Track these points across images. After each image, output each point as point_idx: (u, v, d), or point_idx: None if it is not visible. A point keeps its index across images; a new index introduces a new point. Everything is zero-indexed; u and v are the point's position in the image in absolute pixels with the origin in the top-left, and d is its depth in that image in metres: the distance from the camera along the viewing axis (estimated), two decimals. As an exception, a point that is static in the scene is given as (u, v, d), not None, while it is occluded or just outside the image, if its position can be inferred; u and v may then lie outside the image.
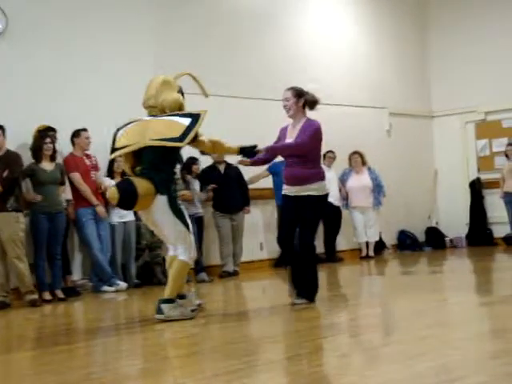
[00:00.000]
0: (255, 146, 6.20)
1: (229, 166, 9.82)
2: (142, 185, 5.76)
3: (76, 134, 8.54)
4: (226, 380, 3.79)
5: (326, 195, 6.42)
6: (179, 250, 5.94)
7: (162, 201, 5.81)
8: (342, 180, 11.66)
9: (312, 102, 6.43)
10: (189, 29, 10.10)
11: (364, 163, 11.74)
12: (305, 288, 6.35)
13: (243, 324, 5.76)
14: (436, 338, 4.68)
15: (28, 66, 8.53)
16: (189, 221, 6.02)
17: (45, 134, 8.06)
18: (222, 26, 10.51)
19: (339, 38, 12.26)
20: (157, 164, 5.87)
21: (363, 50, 12.58)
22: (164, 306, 5.84)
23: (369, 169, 11.75)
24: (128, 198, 5.76)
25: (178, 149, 6.05)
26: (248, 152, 6.19)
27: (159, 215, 5.86)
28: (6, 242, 7.51)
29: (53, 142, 8.05)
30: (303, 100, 6.39)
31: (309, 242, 6.32)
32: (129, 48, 9.44)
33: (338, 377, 3.83)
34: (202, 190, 9.69)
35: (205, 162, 9.64)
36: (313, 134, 6.30)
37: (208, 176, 9.73)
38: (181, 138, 5.73)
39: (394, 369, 3.83)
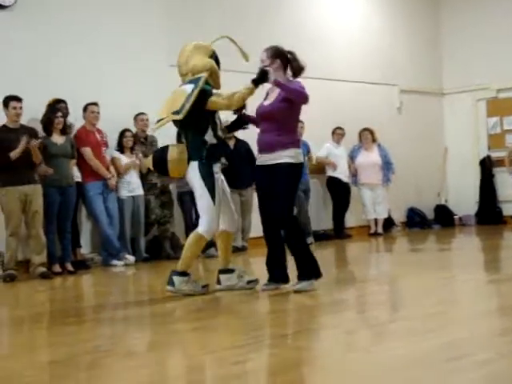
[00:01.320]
0: (265, 72, 5.64)
1: (238, 141, 9.81)
2: (174, 150, 5.83)
3: (84, 108, 8.55)
4: (233, 354, 3.82)
5: (301, 164, 5.82)
6: (201, 220, 5.85)
7: (192, 166, 5.81)
8: (352, 156, 11.64)
9: (296, 69, 5.88)
10: (202, 5, 10.06)
11: (374, 140, 11.70)
12: (300, 268, 5.81)
13: (251, 299, 5.78)
14: (443, 316, 4.69)
15: (39, 40, 8.54)
16: (218, 191, 5.84)
17: (55, 107, 8.07)
18: (234, 3, 10.46)
19: (351, 15, 12.18)
20: (186, 132, 5.89)
21: (375, 27, 12.50)
22: (176, 279, 5.85)
23: (378, 146, 11.72)
24: (159, 163, 5.88)
25: (194, 117, 5.75)
26: (261, 78, 5.63)
27: (191, 181, 5.87)
28: (34, 213, 7.58)
29: (64, 116, 8.06)
30: (279, 61, 5.81)
31: (280, 216, 5.70)
32: (141, 24, 9.46)
33: (344, 352, 3.85)
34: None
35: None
36: (302, 87, 5.74)
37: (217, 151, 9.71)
38: (179, 111, 5.66)
39: (399, 345, 3.85)
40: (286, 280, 5.95)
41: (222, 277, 6.06)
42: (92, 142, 8.52)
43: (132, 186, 8.91)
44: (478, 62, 12.93)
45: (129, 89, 9.10)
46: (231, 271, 6.06)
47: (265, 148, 5.78)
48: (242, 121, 6.04)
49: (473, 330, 4.22)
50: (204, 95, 5.74)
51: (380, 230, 11.61)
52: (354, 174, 11.60)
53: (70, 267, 8.03)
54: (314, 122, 10.88)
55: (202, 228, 5.82)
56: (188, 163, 5.82)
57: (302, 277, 5.78)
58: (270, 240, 5.91)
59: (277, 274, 5.94)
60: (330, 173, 11.29)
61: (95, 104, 8.54)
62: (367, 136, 11.66)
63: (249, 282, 6.05)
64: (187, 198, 9.19)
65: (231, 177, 9.73)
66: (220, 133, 5.94)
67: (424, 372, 3.28)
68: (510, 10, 12.70)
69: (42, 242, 7.67)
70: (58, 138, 8.00)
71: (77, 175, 8.37)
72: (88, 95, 8.56)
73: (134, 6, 9.47)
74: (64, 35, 8.77)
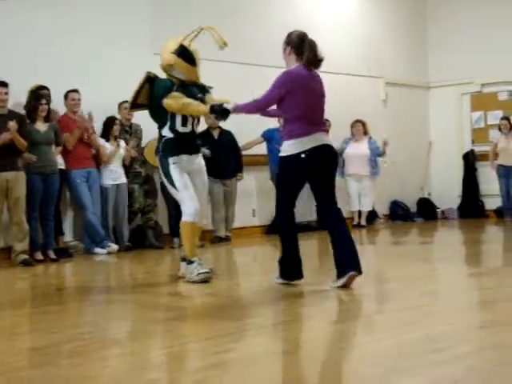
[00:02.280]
0: (221, 105, 5.60)
1: (222, 131, 9.81)
2: (148, 144, 6.39)
3: (65, 96, 8.51)
4: (214, 344, 3.82)
5: (295, 155, 5.41)
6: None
7: (157, 160, 6.09)
8: (342, 148, 11.65)
9: (307, 61, 5.48)
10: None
11: (365, 132, 11.72)
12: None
13: (233, 289, 5.79)
14: (425, 308, 4.72)
15: (23, 26, 8.48)
16: (177, 177, 5.89)
17: (39, 94, 8.01)
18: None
19: (338, 8, 12.17)
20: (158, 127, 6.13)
21: (361, 20, 12.49)
22: (181, 264, 6.09)
23: (369, 138, 11.74)
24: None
25: (154, 112, 6.05)
26: (219, 111, 5.62)
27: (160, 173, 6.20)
28: (16, 200, 7.54)
29: (48, 103, 8.01)
30: (290, 48, 5.50)
31: (275, 209, 5.68)
32: (125, 12, 9.40)
33: (326, 343, 3.87)
34: None
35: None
36: (271, 87, 5.41)
37: (201, 141, 9.69)
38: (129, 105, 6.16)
39: (382, 337, 3.87)
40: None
41: (182, 264, 6.14)
42: (72, 128, 8.47)
43: (115, 175, 8.88)
44: (463, 56, 12.97)
45: (113, 76, 9.04)
46: (188, 261, 5.98)
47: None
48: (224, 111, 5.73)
49: (454, 322, 4.24)
50: (157, 93, 5.90)
51: (363, 222, 11.63)
52: (341, 166, 11.61)
53: (52, 255, 7.99)
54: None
55: (183, 216, 5.93)
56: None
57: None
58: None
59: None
60: (314, 164, 11.29)
61: (76, 91, 8.49)
62: (359, 128, 11.67)
63: (204, 273, 5.94)
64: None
65: (215, 167, 9.75)
66: (181, 128, 5.98)
67: (406, 364, 3.30)
68: (497, 5, 12.74)
69: (25, 229, 7.63)
70: (41, 126, 7.95)
71: (60, 162, 8.32)
72: (70, 82, 8.49)
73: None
74: (47, 22, 8.69)
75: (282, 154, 5.54)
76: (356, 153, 11.55)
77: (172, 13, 9.80)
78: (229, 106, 5.59)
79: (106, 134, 8.88)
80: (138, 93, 5.98)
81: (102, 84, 8.90)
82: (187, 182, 5.95)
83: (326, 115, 11.18)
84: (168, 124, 5.97)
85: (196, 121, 6.13)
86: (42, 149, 7.86)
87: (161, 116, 6.01)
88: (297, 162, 5.43)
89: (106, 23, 9.19)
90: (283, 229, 5.67)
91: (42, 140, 7.90)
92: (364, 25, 12.50)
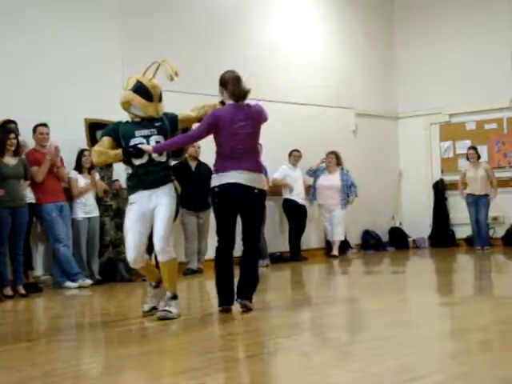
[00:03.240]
0: (135, 146, 5.68)
1: (200, 163, 9.85)
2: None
3: (33, 130, 8.48)
4: (187, 377, 3.79)
5: (212, 189, 5.85)
6: None
7: None
8: (315, 177, 11.75)
9: (231, 94, 5.85)
10: (157, 25, 10.08)
11: (339, 164, 11.82)
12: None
13: (206, 321, 5.75)
14: (397, 338, 4.73)
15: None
16: (127, 220, 5.78)
17: (8, 128, 7.97)
18: (191, 25, 10.50)
19: (307, 38, 12.32)
20: None
21: (333, 52, 12.67)
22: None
23: (341, 169, 11.83)
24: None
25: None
26: (132, 153, 5.67)
27: None
28: None
29: (16, 137, 7.96)
30: (220, 87, 5.92)
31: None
32: (95, 42, 9.41)
33: (300, 376, 3.85)
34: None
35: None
36: (200, 125, 5.84)
37: (179, 172, 9.72)
38: None
39: (355, 368, 3.86)
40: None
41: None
42: (42, 163, 8.41)
43: (88, 208, 8.84)
44: (431, 87, 13.17)
45: (83, 107, 9.01)
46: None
47: None
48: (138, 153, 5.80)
49: (425, 352, 4.26)
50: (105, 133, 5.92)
51: (335, 252, 11.67)
52: (311, 194, 11.69)
53: (21, 290, 7.89)
54: (270, 144, 10.93)
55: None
56: None
57: None
58: None
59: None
60: (286, 195, 11.34)
61: (44, 125, 8.47)
62: (332, 159, 11.78)
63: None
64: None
65: (189, 198, 9.76)
66: (136, 161, 5.76)
67: (378, 394, 3.29)
68: (464, 37, 12.99)
69: (-7, 265, 7.53)
70: (10, 160, 7.90)
71: (30, 196, 8.25)
72: (39, 116, 8.46)
73: (86, 22, 9.42)
74: (16, 54, 8.67)
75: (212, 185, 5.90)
76: (327, 184, 11.65)
77: (145, 43, 9.82)
78: (144, 147, 5.70)
79: (79, 166, 8.85)
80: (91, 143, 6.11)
81: (73, 116, 8.88)
82: (132, 227, 5.72)
83: (297, 146, 11.49)
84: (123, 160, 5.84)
85: None
86: (10, 183, 7.80)
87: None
88: (214, 195, 5.89)
89: (77, 55, 9.20)
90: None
91: (11, 174, 7.84)
92: (334, 56, 12.66)
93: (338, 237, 11.75)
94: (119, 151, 5.75)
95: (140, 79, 5.86)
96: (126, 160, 5.76)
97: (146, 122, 5.81)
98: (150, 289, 6.01)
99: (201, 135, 5.90)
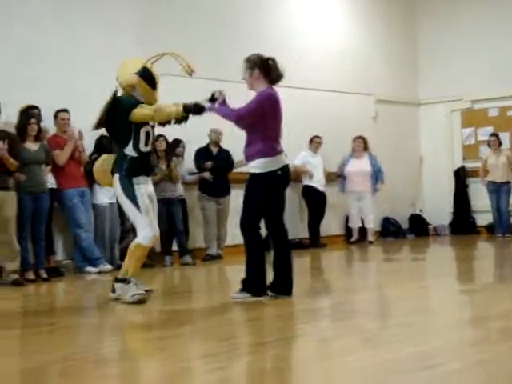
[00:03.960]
0: (196, 104, 5.73)
1: (221, 149, 9.89)
2: (98, 162, 6.20)
3: (55, 115, 8.52)
4: (207, 362, 3.82)
5: (272, 173, 5.71)
6: (137, 231, 5.96)
7: (115, 179, 5.96)
8: (342, 165, 11.71)
9: (273, 77, 5.73)
10: (172, 13, 10.08)
11: (366, 148, 11.78)
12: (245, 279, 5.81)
13: (225, 307, 5.78)
14: (417, 325, 4.72)
15: (18, 48, 8.51)
16: (142, 200, 5.86)
17: (29, 113, 8.02)
18: (206, 11, 10.48)
19: (329, 25, 12.26)
20: (115, 144, 6.14)
21: (352, 37, 12.57)
22: (116, 285, 5.93)
23: (369, 154, 11.79)
24: (90, 173, 6.48)
25: (116, 130, 5.99)
26: (193, 109, 5.71)
27: (116, 193, 6.09)
28: (6, 220, 7.51)
29: (38, 122, 8.01)
30: (258, 71, 5.71)
31: (242, 224, 5.89)
32: (116, 33, 9.43)
33: (319, 361, 3.86)
34: (198, 168, 9.74)
35: (198, 143, 9.77)
36: (255, 103, 5.64)
37: (201, 156, 9.80)
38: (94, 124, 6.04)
39: (374, 354, 3.87)
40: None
41: (117, 285, 5.98)
42: (63, 147, 8.46)
43: (111, 193, 8.86)
44: (453, 73, 13.06)
45: (103, 95, 9.02)
46: (127, 281, 5.90)
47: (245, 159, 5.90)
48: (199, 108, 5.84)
49: (445, 339, 4.25)
50: (123, 109, 5.85)
51: (371, 238, 11.62)
52: (341, 183, 11.69)
53: (43, 274, 7.96)
54: (290, 130, 10.90)
55: (137, 238, 5.90)
56: (112, 175, 5.97)
57: (243, 287, 5.81)
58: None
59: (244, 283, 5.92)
60: (306, 182, 11.33)
61: (65, 111, 8.51)
62: (359, 143, 11.74)
63: (138, 294, 5.88)
64: (162, 206, 9.17)
65: (208, 184, 9.79)
66: (144, 147, 5.93)
67: (397, 381, 3.30)
68: (486, 23, 12.86)
69: (16, 249, 7.60)
70: (31, 145, 7.94)
71: (51, 181, 8.31)
72: (61, 102, 8.50)
73: (108, 12, 9.44)
74: (38, 43, 8.72)
75: (257, 171, 5.68)
76: (356, 170, 11.60)
77: (163, 33, 9.82)
78: (205, 105, 5.69)
79: (99, 151, 8.81)
80: (106, 112, 5.93)
81: (93, 103, 8.89)
82: (149, 207, 5.89)
83: (318, 132, 11.44)
84: (131, 142, 5.89)
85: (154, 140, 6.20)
86: (32, 168, 7.85)
87: (122, 134, 5.91)
88: (274, 179, 5.72)
89: (97, 41, 9.21)
90: (248, 245, 5.97)
91: (33, 159, 7.89)
92: (355, 43, 12.57)
93: (371, 224, 11.69)
94: (180, 107, 5.74)
95: (146, 65, 5.90)
96: (184, 117, 5.78)
97: None
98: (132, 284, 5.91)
99: (254, 115, 5.64)
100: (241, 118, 5.70)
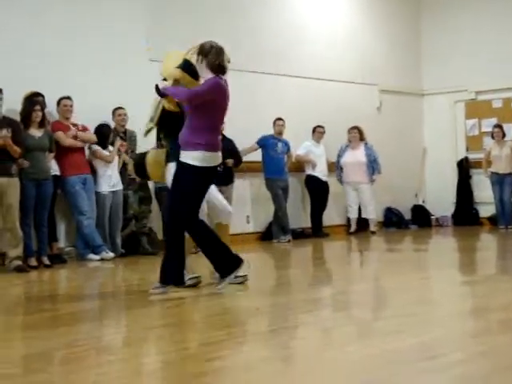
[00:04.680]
0: (156, 87, 5.70)
1: (224, 138, 9.84)
2: (152, 155, 6.14)
3: (58, 102, 8.52)
4: (207, 351, 3.83)
5: (208, 168, 5.58)
6: None
7: (169, 168, 5.95)
8: (338, 156, 11.68)
9: (210, 67, 5.60)
10: (181, 5, 10.05)
11: (362, 139, 11.75)
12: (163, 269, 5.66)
13: (227, 296, 5.79)
14: (418, 316, 4.73)
15: (21, 35, 8.49)
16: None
17: (34, 100, 8.02)
18: (213, 3, 10.45)
19: (332, 15, 12.21)
20: (164, 136, 6.11)
21: (356, 28, 12.53)
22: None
23: (365, 144, 11.76)
24: (139, 168, 6.33)
25: (169, 122, 6.00)
26: (157, 92, 5.72)
27: (169, 182, 5.92)
28: (9, 206, 7.52)
29: (42, 109, 8.01)
30: (202, 57, 5.62)
31: (176, 216, 5.62)
32: (121, 19, 9.41)
33: (319, 351, 3.88)
34: None
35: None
36: (206, 86, 5.55)
37: None
38: (151, 119, 6.00)
39: (374, 344, 3.88)
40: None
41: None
42: (66, 134, 8.48)
43: (113, 181, 8.89)
44: (457, 64, 13.02)
45: (107, 83, 9.06)
46: None
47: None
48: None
49: (447, 330, 4.26)
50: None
51: (373, 228, 11.62)
52: (337, 174, 11.64)
53: (46, 261, 7.98)
54: (294, 120, 10.92)
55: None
56: (166, 165, 6.01)
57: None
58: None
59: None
60: (308, 171, 11.32)
61: (68, 98, 8.51)
62: (355, 134, 11.70)
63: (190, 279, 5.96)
64: (165, 194, 9.18)
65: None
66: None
67: (397, 371, 3.31)
68: (490, 14, 12.80)
69: (18, 236, 7.62)
70: (35, 132, 7.95)
71: (54, 168, 8.32)
72: (64, 90, 8.50)
73: (107, 2, 9.41)
74: (42, 30, 8.71)
75: (192, 162, 5.53)
76: (353, 160, 11.57)
77: (169, 19, 9.82)
78: (160, 85, 5.73)
79: (100, 141, 8.83)
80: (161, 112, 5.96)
81: (97, 90, 8.92)
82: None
83: (321, 122, 11.43)
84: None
85: None
86: (35, 155, 7.86)
87: (174, 125, 5.92)
88: (206, 173, 5.60)
89: (101, 29, 9.20)
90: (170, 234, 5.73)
91: (37, 146, 7.90)
92: (359, 33, 12.54)
93: (372, 215, 11.67)
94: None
95: (187, 57, 5.93)
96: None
97: None
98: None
99: (203, 96, 5.54)
100: (193, 96, 5.58)
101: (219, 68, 5.64)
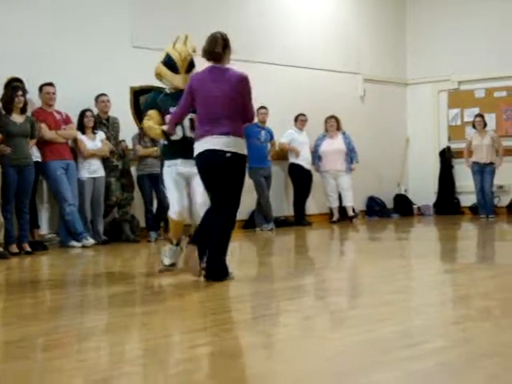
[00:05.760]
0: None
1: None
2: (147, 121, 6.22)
3: (40, 89, 8.45)
4: (190, 338, 3.83)
5: (196, 157, 5.64)
6: None
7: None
8: (316, 145, 11.67)
9: (204, 53, 5.62)
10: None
11: (339, 128, 11.75)
12: None
13: (210, 284, 5.79)
14: (399, 303, 4.76)
15: (2, 19, 8.41)
16: (172, 179, 6.01)
17: (15, 86, 7.95)
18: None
19: (317, 3, 12.19)
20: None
21: (340, 16, 12.53)
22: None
23: (343, 134, 11.77)
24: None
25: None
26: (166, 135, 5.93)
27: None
28: None
29: (24, 95, 7.95)
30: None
31: (233, 206, 5.68)
32: (104, 4, 9.33)
33: (301, 338, 3.89)
34: None
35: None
36: (182, 97, 5.70)
37: None
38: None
39: (356, 332, 3.89)
40: None
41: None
42: (49, 120, 8.42)
43: (93, 168, 8.85)
44: (441, 53, 13.06)
45: (89, 69, 8.99)
46: (171, 242, 6.25)
47: None
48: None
49: (428, 318, 4.28)
50: (145, 105, 6.14)
51: (351, 213, 11.64)
52: (318, 162, 11.62)
53: (27, 247, 7.94)
54: (277, 108, 10.90)
55: (169, 211, 6.12)
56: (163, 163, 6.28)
57: None
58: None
59: None
60: (292, 159, 11.32)
61: (50, 84, 8.44)
62: (333, 123, 11.70)
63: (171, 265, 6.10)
64: (147, 181, 9.16)
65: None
66: (189, 132, 5.89)
67: (379, 359, 3.32)
68: (474, 4, 12.85)
69: (1, 222, 7.57)
70: (17, 117, 7.89)
71: (36, 155, 8.27)
72: (46, 75, 8.44)
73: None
74: (23, 14, 8.63)
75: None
76: (331, 149, 11.58)
77: (152, 6, 9.75)
78: (164, 128, 5.89)
79: (81, 127, 8.82)
80: (135, 110, 6.24)
81: (78, 77, 8.86)
82: (177, 186, 6.02)
83: (304, 110, 11.43)
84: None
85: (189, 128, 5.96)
86: (17, 141, 7.80)
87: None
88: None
89: (85, 15, 9.13)
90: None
91: (18, 132, 7.84)
92: (343, 21, 12.53)
93: (349, 202, 11.69)
94: (160, 131, 5.93)
95: (169, 51, 5.91)
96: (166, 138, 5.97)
97: (180, 93, 5.80)
98: (171, 246, 6.12)
99: (185, 106, 5.67)
100: (178, 117, 5.76)
101: (203, 54, 5.62)
